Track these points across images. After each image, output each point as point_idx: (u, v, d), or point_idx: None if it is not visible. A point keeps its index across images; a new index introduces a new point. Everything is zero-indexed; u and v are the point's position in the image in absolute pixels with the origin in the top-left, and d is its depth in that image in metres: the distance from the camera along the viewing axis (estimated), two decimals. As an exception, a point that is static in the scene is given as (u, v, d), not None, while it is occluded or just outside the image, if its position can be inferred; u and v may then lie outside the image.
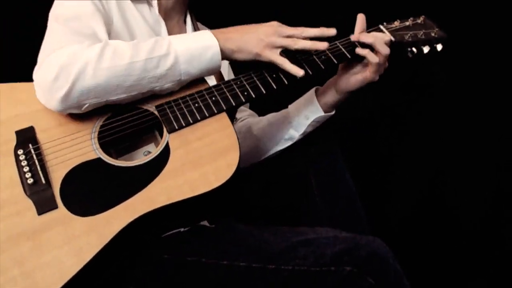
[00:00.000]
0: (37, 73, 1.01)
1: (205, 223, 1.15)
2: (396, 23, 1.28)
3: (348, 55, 1.19)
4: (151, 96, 1.08)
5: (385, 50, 1.16)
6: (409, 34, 1.26)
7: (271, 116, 1.39)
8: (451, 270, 1.63)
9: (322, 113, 1.27)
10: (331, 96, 1.26)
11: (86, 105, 1.00)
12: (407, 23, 1.29)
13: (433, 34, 1.28)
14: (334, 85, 1.25)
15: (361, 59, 1.20)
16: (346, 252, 0.94)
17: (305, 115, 1.29)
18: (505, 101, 1.64)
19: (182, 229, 1.08)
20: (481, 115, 1.68)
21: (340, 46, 1.20)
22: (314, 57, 1.17)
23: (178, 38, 1.06)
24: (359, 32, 1.21)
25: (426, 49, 1.28)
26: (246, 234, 1.05)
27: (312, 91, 1.31)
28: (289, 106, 1.35)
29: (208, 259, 1.00)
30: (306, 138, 1.31)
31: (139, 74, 1.01)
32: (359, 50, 1.18)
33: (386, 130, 1.84)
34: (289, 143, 1.32)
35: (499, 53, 1.64)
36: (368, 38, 1.18)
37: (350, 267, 0.93)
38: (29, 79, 1.06)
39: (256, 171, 1.35)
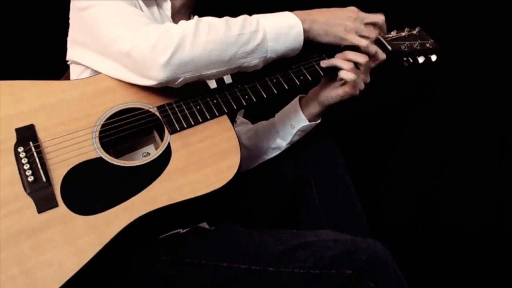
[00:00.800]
0: (129, 46, 1.00)
1: (205, 225, 1.14)
2: (393, 33, 1.31)
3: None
4: (153, 97, 1.09)
5: (351, 76, 1.15)
6: (405, 44, 1.29)
7: (258, 126, 1.40)
8: (452, 274, 1.64)
9: (307, 123, 1.28)
10: (313, 108, 1.27)
11: (181, 79, 1.02)
12: (403, 34, 1.32)
13: (428, 45, 1.31)
14: (316, 96, 1.26)
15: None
16: (346, 255, 0.95)
17: (290, 124, 1.30)
18: (506, 101, 1.66)
19: (181, 231, 1.07)
20: (482, 116, 1.69)
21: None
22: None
23: (263, 16, 1.09)
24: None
25: (421, 59, 1.31)
26: (245, 236, 1.05)
27: (296, 100, 1.32)
28: (276, 115, 1.36)
29: (207, 261, 1.00)
30: (303, 141, 1.32)
31: (233, 49, 1.03)
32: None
33: (386, 132, 1.85)
34: (277, 152, 1.33)
35: (499, 53, 1.67)
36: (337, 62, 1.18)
37: (350, 271, 0.94)
38: (30, 77, 1.06)
39: (256, 173, 1.35)
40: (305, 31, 1.10)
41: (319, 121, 1.30)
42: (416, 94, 1.82)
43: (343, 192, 1.29)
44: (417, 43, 1.31)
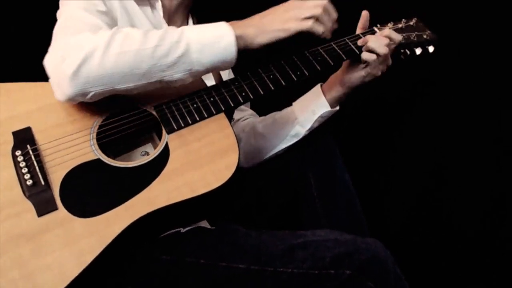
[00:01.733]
0: (47, 56, 0.99)
1: (206, 224, 1.15)
2: (389, 25, 1.30)
3: (357, 51, 1.20)
4: (150, 96, 1.08)
5: (383, 50, 1.17)
6: (402, 36, 1.28)
7: (275, 114, 1.39)
8: (452, 274, 1.64)
9: (329, 108, 1.27)
10: (336, 92, 1.27)
11: (92, 93, 0.96)
12: (399, 25, 1.31)
13: (425, 36, 1.30)
14: (339, 80, 1.26)
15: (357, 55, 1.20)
16: (346, 255, 0.95)
17: (312, 110, 1.29)
18: (506, 98, 1.66)
19: (181, 230, 1.07)
20: (482, 115, 1.69)
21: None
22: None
23: (190, 27, 1.02)
24: (361, 28, 1.25)
25: (418, 51, 1.30)
26: (245, 236, 1.05)
27: (318, 86, 1.31)
28: (294, 104, 1.35)
29: (206, 261, 1.00)
30: (304, 140, 1.32)
31: (148, 61, 0.96)
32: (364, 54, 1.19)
33: (386, 131, 1.85)
34: (295, 140, 1.32)
35: (500, 51, 1.66)
36: (371, 43, 1.18)
37: (349, 271, 0.93)
38: (28, 79, 1.06)
39: (256, 172, 1.35)
40: (238, 39, 1.01)
41: (337, 108, 1.30)
42: (416, 93, 1.81)
43: (343, 191, 1.29)
44: (414, 34, 1.30)
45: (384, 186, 1.82)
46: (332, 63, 1.19)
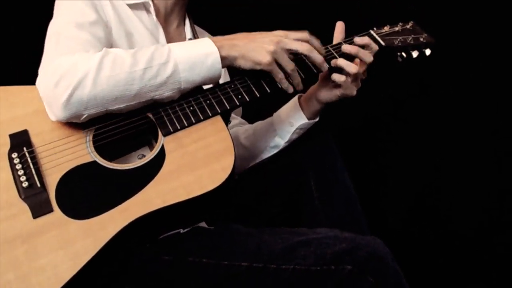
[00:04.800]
0: (39, 79, 1.01)
1: (203, 224, 1.15)
2: (386, 28, 1.30)
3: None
4: (146, 99, 1.09)
5: (353, 69, 1.16)
6: (398, 39, 1.28)
7: (257, 125, 1.40)
8: (451, 271, 1.64)
9: (306, 120, 1.28)
10: (313, 106, 1.28)
11: (85, 115, 0.99)
12: (396, 28, 1.32)
13: (421, 39, 1.31)
14: (315, 96, 1.26)
15: (340, 70, 1.19)
16: (346, 251, 0.96)
17: (289, 122, 1.30)
18: (504, 98, 1.66)
19: (181, 231, 1.08)
20: (480, 115, 1.70)
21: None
22: (307, 62, 1.18)
23: (177, 45, 1.05)
24: (339, 40, 1.23)
25: (415, 54, 1.30)
26: (245, 235, 1.06)
27: (295, 98, 1.32)
28: (274, 114, 1.37)
29: (208, 260, 1.01)
30: (303, 140, 1.33)
31: (138, 84, 1.00)
32: (337, 61, 1.18)
33: (384, 130, 1.86)
34: (275, 150, 1.34)
35: (498, 52, 1.67)
36: (352, 49, 1.18)
37: (350, 266, 0.95)
38: (27, 82, 1.06)
39: (256, 172, 1.36)
40: (222, 58, 1.06)
41: (317, 119, 1.30)
42: (415, 92, 1.82)
43: (342, 191, 1.29)
44: (411, 37, 1.30)
45: (384, 185, 1.82)
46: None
